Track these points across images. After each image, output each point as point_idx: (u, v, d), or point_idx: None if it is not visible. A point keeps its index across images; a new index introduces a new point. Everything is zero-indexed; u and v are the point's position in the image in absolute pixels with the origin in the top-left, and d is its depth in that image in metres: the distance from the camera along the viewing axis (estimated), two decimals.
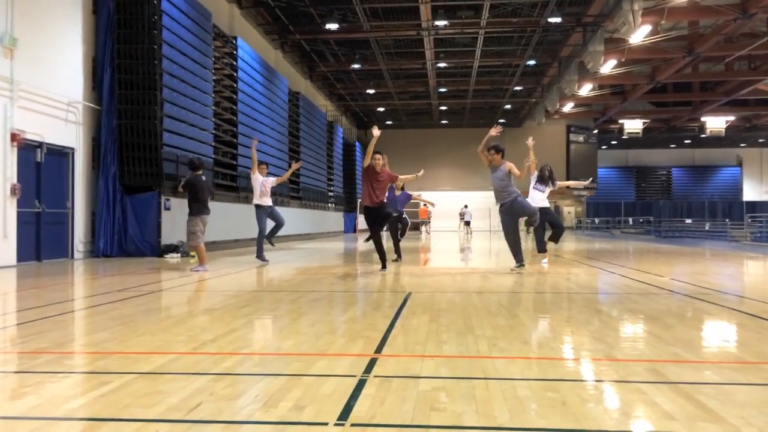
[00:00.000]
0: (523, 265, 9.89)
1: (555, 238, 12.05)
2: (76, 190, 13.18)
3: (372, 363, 3.62)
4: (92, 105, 13.61)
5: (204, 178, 10.52)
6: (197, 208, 10.32)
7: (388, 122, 46.42)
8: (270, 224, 11.98)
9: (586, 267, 11.13)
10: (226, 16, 20.00)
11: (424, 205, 38.35)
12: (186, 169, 14.93)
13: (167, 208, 14.09)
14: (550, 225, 11.87)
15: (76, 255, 13.11)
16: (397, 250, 12.22)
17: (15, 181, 11.21)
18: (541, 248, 11.83)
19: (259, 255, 11.75)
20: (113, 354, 3.91)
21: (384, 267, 10.04)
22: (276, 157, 22.99)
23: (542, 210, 11.33)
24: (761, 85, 31.78)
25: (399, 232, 12.90)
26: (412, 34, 25.70)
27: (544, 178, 11.79)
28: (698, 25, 25.04)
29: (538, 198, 11.69)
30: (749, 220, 28.66)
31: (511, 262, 10.17)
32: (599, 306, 6.49)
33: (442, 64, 30.41)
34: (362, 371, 3.41)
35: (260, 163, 12.31)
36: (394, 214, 11.94)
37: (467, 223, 35.10)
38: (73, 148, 13.09)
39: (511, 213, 9.92)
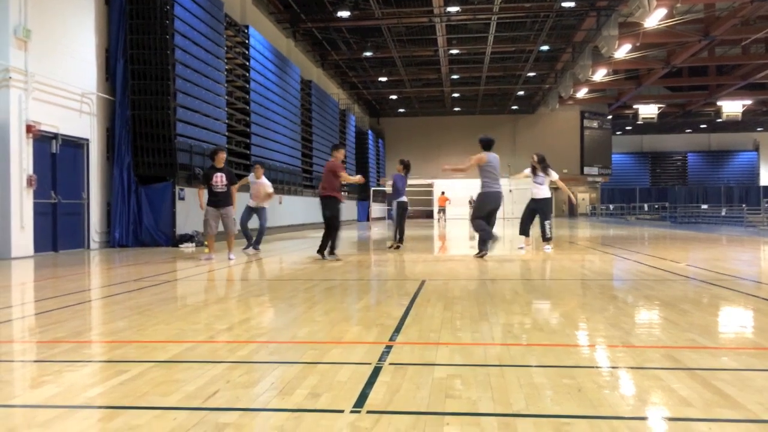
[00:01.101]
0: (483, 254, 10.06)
1: (541, 233, 11.92)
2: (91, 181, 13.27)
3: (387, 350, 3.63)
4: (106, 96, 13.67)
5: (218, 167, 10.44)
6: (208, 200, 10.33)
7: (401, 110, 46.30)
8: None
9: (600, 254, 11.07)
10: (238, 5, 19.98)
11: (443, 193, 38.57)
12: (199, 159, 15.03)
13: (181, 198, 14.16)
14: (539, 217, 11.86)
15: (92, 245, 13.22)
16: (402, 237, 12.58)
17: (31, 172, 11.31)
18: (544, 236, 11.77)
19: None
20: (130, 343, 3.94)
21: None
22: (288, 146, 23.03)
23: (536, 201, 11.71)
24: None
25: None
26: (424, 21, 25.55)
27: (534, 169, 11.72)
28: (714, 8, 24.66)
29: (535, 191, 11.80)
30: (766, 205, 28.34)
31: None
32: (614, 292, 6.46)
33: (454, 51, 30.23)
34: (377, 359, 3.42)
35: (260, 165, 12.39)
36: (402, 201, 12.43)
37: None
38: (87, 139, 13.17)
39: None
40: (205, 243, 13.66)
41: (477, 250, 10.24)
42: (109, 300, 6.06)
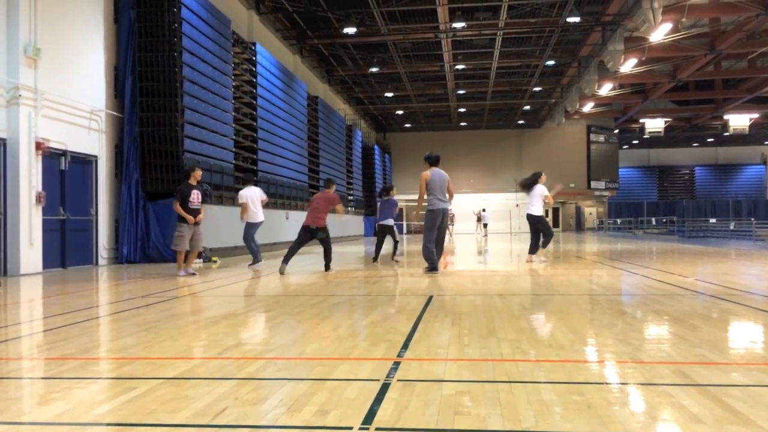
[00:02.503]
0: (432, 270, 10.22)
1: (536, 246, 12.68)
2: (100, 198, 13.35)
3: (395, 367, 3.62)
4: (114, 113, 13.78)
5: (193, 184, 10.47)
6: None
7: (407, 125, 46.45)
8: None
9: (608, 268, 11.03)
10: (245, 22, 20.16)
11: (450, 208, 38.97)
12: (206, 175, 15.09)
13: None
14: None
15: (101, 261, 13.27)
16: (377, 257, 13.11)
17: (40, 189, 11.39)
18: (530, 250, 12.70)
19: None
20: (138, 359, 3.95)
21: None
22: (295, 162, 23.11)
23: (528, 217, 12.54)
24: None
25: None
26: (429, 37, 25.70)
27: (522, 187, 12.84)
28: (720, 22, 24.73)
29: (530, 207, 12.57)
30: None
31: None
32: (623, 307, 6.43)
33: (460, 66, 30.36)
34: (385, 375, 3.41)
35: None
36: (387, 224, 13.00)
37: (485, 226, 35.36)
38: (96, 156, 13.26)
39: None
40: (213, 259, 13.72)
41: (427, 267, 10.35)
42: (117, 316, 6.07)
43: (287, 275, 10.41)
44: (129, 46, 13.86)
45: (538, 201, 12.33)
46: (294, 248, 11.00)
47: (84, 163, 13.01)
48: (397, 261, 13.06)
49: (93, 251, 13.19)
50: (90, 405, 2.97)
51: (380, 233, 13.27)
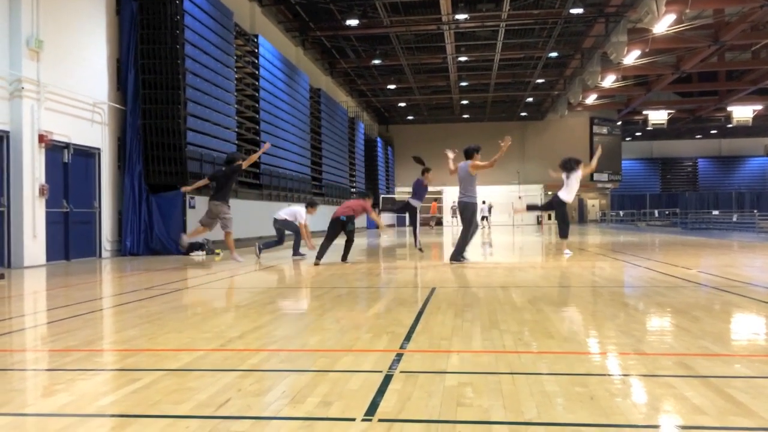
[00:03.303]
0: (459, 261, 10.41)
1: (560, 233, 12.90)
2: (103, 190, 13.37)
3: (398, 358, 3.63)
4: (117, 105, 13.78)
5: (223, 169, 11.09)
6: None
7: (410, 117, 46.38)
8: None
9: (611, 260, 11.02)
10: (247, 14, 20.11)
11: (435, 200, 39.50)
12: (209, 167, 15.11)
13: (192, 207, 14.23)
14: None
15: (104, 254, 13.30)
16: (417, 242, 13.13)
17: (43, 181, 11.40)
18: (562, 235, 12.81)
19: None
20: (142, 351, 3.96)
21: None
22: (298, 154, 23.10)
23: (558, 202, 12.32)
24: None
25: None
26: (432, 29, 25.62)
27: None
28: (723, 13, 24.60)
29: (564, 191, 12.22)
30: None
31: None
32: (625, 299, 6.43)
33: (462, 58, 30.27)
34: (388, 367, 3.42)
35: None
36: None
37: (484, 218, 35.44)
38: (99, 149, 13.27)
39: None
40: (216, 251, 13.74)
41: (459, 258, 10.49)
42: (121, 308, 6.09)
43: (289, 267, 10.42)
44: (131, 38, 13.84)
45: (574, 186, 11.95)
46: (325, 245, 10.86)
47: (87, 155, 13.02)
48: (421, 250, 12.95)
49: (96, 244, 13.22)
50: (93, 396, 2.99)
51: (406, 210, 13.24)
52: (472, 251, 13.39)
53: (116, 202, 13.77)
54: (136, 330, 4.73)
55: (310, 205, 11.85)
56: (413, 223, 13.31)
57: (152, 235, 13.78)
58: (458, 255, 10.55)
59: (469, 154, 10.54)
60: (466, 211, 10.46)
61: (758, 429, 2.43)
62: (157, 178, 13.94)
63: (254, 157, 11.59)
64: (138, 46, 13.89)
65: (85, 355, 3.88)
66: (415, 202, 12.99)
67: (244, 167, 11.40)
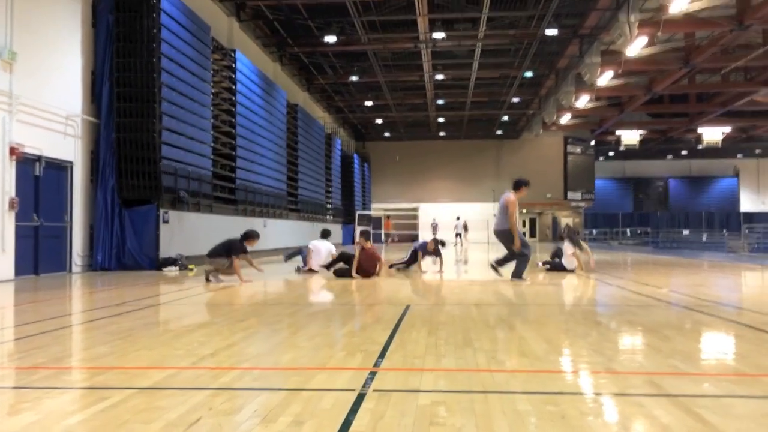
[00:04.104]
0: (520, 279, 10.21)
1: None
2: (75, 204, 13.18)
3: (371, 377, 3.62)
4: (91, 118, 13.64)
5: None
6: None
7: (386, 134, 46.56)
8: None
9: (584, 279, 11.12)
10: (225, 29, 20.10)
11: (388, 218, 39.88)
12: (184, 182, 15.00)
13: (165, 221, 14.09)
14: None
15: (74, 269, 13.09)
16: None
17: (13, 194, 11.22)
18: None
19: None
20: (111, 369, 3.90)
21: None
22: (274, 170, 23.04)
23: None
24: (757, 96, 31.90)
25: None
26: (409, 47, 25.82)
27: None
28: (694, 37, 25.16)
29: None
30: (746, 231, 28.72)
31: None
32: (598, 318, 6.49)
33: (439, 76, 30.53)
34: (361, 385, 3.41)
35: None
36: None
37: (458, 235, 35.77)
38: (71, 162, 13.11)
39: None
40: (190, 266, 13.61)
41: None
42: (91, 325, 5.99)
43: (265, 284, 10.36)
44: (107, 51, 13.73)
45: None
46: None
47: (59, 168, 12.85)
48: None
49: (67, 258, 13.01)
50: (61, 415, 2.93)
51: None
52: (448, 269, 13.44)
53: (88, 216, 13.58)
54: (106, 347, 4.66)
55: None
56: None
57: (124, 250, 13.60)
58: (518, 275, 10.26)
59: (516, 186, 10.41)
60: (501, 237, 10.39)
61: None
62: (131, 192, 13.78)
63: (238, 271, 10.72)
64: (113, 58, 13.78)
65: (53, 373, 3.81)
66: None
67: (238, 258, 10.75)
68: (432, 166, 46.70)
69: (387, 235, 40.10)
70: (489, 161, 47.14)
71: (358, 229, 38.03)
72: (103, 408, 3.00)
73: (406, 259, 13.16)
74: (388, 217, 41.03)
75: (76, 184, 13.25)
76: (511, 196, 10.20)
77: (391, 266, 12.91)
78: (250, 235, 10.93)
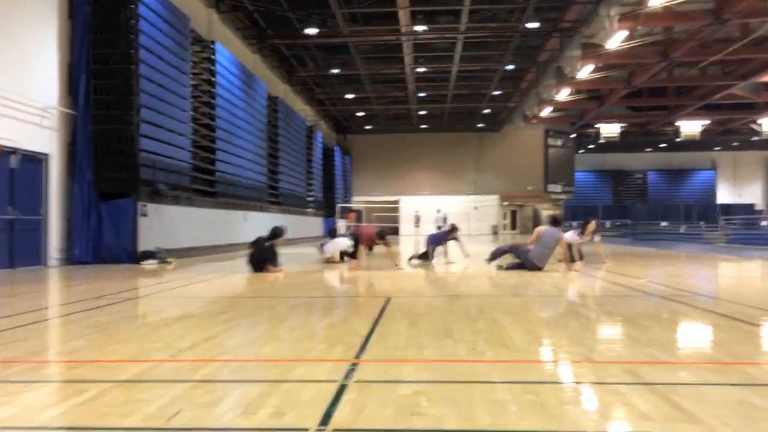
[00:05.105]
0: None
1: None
2: (51, 197, 13.00)
3: (352, 368, 3.62)
4: (68, 110, 13.44)
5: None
6: None
7: (368, 127, 46.47)
8: None
9: (563, 270, 11.20)
10: (204, 20, 19.89)
11: (352, 211, 39.81)
12: (162, 174, 14.87)
13: (144, 215, 13.95)
14: None
15: (51, 262, 12.92)
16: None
17: None
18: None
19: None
20: (89, 362, 3.86)
21: None
22: (254, 162, 22.91)
23: None
24: (735, 89, 32.28)
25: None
26: (391, 39, 25.75)
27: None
28: (673, 31, 25.37)
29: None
30: (723, 223, 29.12)
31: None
32: (577, 308, 6.55)
33: (421, 69, 30.50)
34: (342, 377, 3.41)
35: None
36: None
37: (439, 227, 35.84)
38: (47, 154, 12.92)
39: None
40: (169, 260, 13.51)
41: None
42: (68, 318, 5.92)
43: (246, 278, 10.31)
44: (84, 42, 13.53)
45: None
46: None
47: (35, 161, 12.66)
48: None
49: (43, 252, 12.83)
50: (38, 409, 2.90)
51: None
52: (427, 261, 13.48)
53: (65, 209, 13.40)
54: (84, 340, 4.61)
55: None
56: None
57: (102, 244, 13.44)
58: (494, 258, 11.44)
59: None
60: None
61: None
62: (108, 185, 13.62)
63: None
64: (91, 50, 13.58)
65: (30, 367, 3.76)
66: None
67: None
68: (413, 159, 46.70)
69: (347, 228, 39.34)
70: (470, 154, 47.27)
71: (339, 224, 37.95)
72: (81, 401, 2.96)
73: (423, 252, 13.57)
74: (350, 210, 40.51)
75: (53, 177, 13.07)
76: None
77: (410, 259, 13.04)
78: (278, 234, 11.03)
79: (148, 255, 13.56)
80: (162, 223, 14.76)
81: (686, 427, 2.57)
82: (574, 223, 13.01)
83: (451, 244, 13.73)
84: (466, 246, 14.15)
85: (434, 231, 35.95)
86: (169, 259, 13.70)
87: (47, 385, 3.41)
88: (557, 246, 10.89)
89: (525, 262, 10.68)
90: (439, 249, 13.69)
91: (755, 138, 47.52)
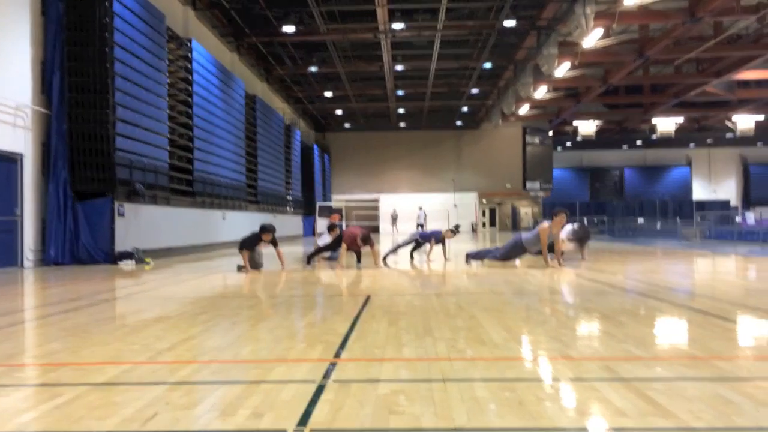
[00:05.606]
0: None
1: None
2: (26, 197, 12.82)
3: (331, 368, 3.62)
4: (42, 109, 13.26)
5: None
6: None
7: (346, 125, 46.42)
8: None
9: (541, 267, 11.28)
10: (180, 18, 19.72)
11: (336, 212, 39.57)
12: (139, 174, 14.73)
13: (121, 214, 13.82)
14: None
15: (26, 263, 12.75)
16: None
17: None
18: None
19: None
20: (65, 365, 3.81)
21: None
22: (232, 161, 22.78)
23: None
24: (709, 87, 32.75)
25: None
26: (369, 37, 25.73)
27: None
28: (648, 29, 25.67)
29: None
30: (698, 219, 29.51)
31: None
32: (555, 305, 6.61)
33: (399, 67, 30.53)
34: (321, 376, 3.41)
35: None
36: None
37: (420, 225, 35.90)
38: (21, 154, 12.73)
39: None
40: (147, 260, 13.38)
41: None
42: (43, 321, 5.85)
43: (225, 278, 10.25)
44: (57, 40, 13.34)
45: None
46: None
47: (9, 161, 12.47)
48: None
49: (18, 253, 12.65)
50: (13, 413, 2.86)
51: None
52: (406, 259, 13.50)
53: (40, 210, 13.22)
54: (60, 343, 4.55)
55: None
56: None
57: (78, 244, 13.29)
58: (474, 258, 11.98)
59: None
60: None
61: (676, 429, 2.54)
62: (84, 184, 13.47)
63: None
64: (65, 48, 13.40)
65: (5, 370, 3.71)
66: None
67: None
68: (392, 157, 46.74)
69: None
70: (449, 152, 47.42)
71: (319, 220, 37.80)
72: (57, 405, 2.93)
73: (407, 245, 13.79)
74: (334, 210, 40.18)
75: (27, 177, 12.88)
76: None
77: (384, 258, 12.96)
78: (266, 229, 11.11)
79: (126, 255, 13.43)
80: (139, 223, 14.63)
81: (661, 422, 2.61)
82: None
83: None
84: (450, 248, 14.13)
85: (416, 229, 36.14)
86: (147, 260, 13.58)
87: (22, 389, 3.37)
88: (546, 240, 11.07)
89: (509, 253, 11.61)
90: (425, 247, 13.63)
91: (729, 135, 48.31)
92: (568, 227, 12.43)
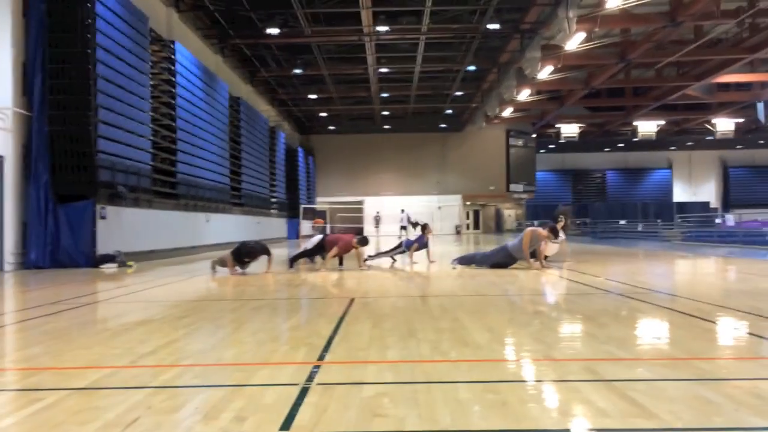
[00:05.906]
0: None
1: None
2: (5, 200, 12.66)
3: (315, 370, 3.61)
4: (23, 111, 13.11)
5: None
6: None
7: (331, 127, 46.35)
8: None
9: (525, 269, 11.34)
10: (164, 19, 19.60)
11: (321, 216, 39.40)
12: (122, 176, 14.61)
13: (103, 217, 13.69)
14: None
15: (6, 267, 12.59)
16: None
17: None
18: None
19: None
20: (46, 370, 3.77)
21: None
22: (217, 164, 22.67)
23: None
24: (689, 90, 33.09)
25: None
26: (353, 40, 25.75)
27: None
28: (630, 33, 25.90)
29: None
30: (679, 221, 29.82)
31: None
32: (539, 307, 6.64)
33: (383, 70, 30.56)
34: (305, 379, 3.40)
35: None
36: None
37: (403, 228, 35.92)
38: (2, 156, 12.58)
39: None
40: (129, 263, 13.28)
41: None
42: (24, 324, 5.78)
43: (208, 281, 10.20)
44: (39, 41, 13.20)
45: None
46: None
47: None
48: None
49: None
50: None
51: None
52: (389, 261, 13.51)
53: (20, 213, 13.06)
54: (40, 347, 4.50)
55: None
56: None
57: (59, 248, 13.14)
58: (462, 262, 12.03)
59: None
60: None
61: (658, 429, 2.56)
62: (66, 187, 13.32)
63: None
64: (46, 49, 13.25)
65: None
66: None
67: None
68: (377, 159, 46.72)
69: (314, 229, 38.68)
70: (433, 154, 47.49)
71: (303, 223, 37.72)
72: (37, 409, 2.90)
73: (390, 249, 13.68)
74: (318, 215, 39.89)
75: (7, 180, 12.73)
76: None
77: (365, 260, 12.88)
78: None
79: (108, 258, 13.30)
80: (121, 225, 14.51)
81: (642, 422, 2.63)
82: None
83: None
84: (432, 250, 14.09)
85: (398, 231, 36.15)
86: (129, 263, 13.47)
87: (2, 393, 3.33)
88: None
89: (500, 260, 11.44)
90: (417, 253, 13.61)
91: (709, 138, 48.77)
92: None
